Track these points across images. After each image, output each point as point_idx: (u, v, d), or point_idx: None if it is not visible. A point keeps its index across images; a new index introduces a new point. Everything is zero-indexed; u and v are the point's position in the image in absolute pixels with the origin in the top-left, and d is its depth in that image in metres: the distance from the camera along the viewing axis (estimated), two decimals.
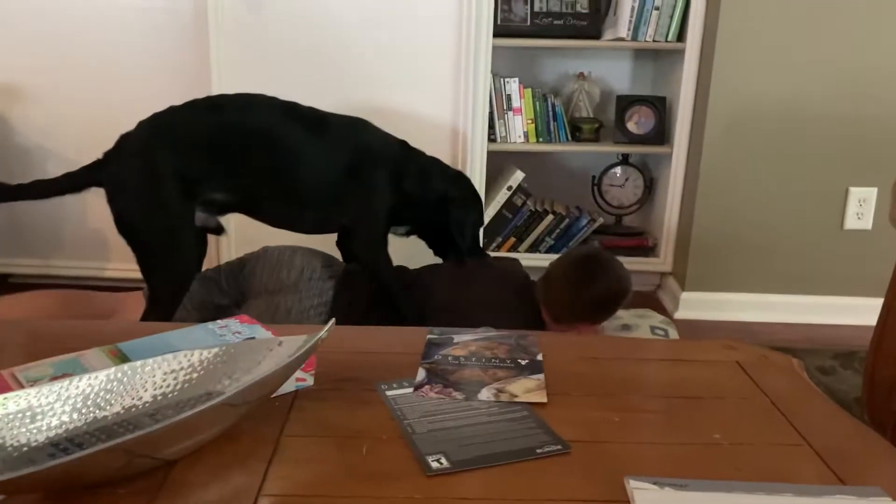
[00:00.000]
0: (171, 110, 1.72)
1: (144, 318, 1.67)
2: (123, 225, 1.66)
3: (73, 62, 2.41)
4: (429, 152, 1.95)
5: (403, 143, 1.89)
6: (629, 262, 2.69)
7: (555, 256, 2.65)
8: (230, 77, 2.31)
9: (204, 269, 1.83)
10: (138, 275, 2.51)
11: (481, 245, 2.10)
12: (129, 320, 1.73)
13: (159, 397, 0.76)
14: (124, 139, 1.70)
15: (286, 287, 1.74)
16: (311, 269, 1.79)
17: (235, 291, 1.86)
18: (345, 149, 1.74)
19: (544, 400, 0.84)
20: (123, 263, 2.61)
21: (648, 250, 2.75)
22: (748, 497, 0.67)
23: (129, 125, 2.49)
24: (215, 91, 2.25)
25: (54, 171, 2.54)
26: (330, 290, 1.77)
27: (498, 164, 2.69)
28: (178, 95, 2.40)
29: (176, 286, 1.69)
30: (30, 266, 2.60)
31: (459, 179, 1.96)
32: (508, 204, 2.66)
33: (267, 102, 1.73)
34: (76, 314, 1.78)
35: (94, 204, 2.61)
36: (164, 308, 1.67)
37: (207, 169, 1.66)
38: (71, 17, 2.38)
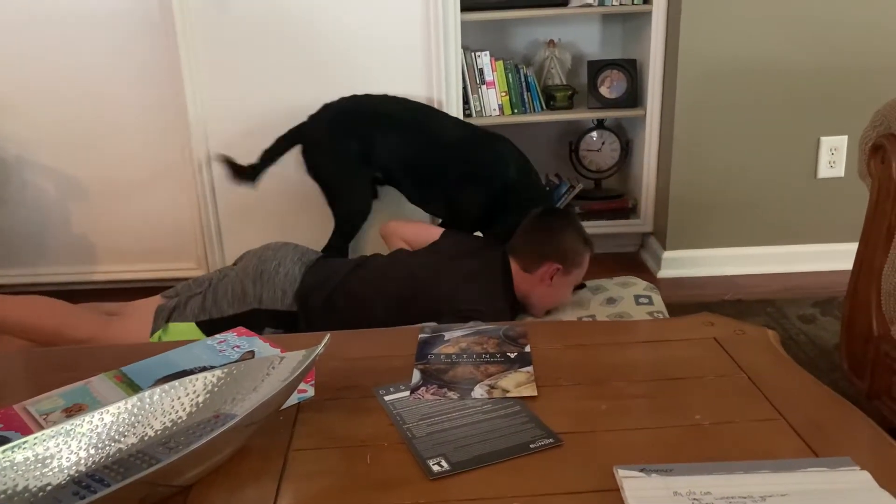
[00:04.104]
0: (367, 98, 2.21)
1: (330, 240, 2.17)
2: (315, 173, 2.18)
3: (43, 68, 2.39)
4: None
5: (524, 169, 2.21)
6: (610, 225, 2.75)
7: None
8: (202, 73, 2.30)
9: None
10: (126, 276, 2.55)
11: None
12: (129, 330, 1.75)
13: (169, 424, 0.80)
14: (326, 108, 2.17)
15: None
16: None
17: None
18: (470, 160, 2.17)
19: (535, 393, 0.89)
20: (110, 266, 2.63)
21: (629, 212, 2.80)
22: (728, 477, 0.72)
23: (102, 128, 2.53)
24: (188, 88, 2.28)
25: (31, 177, 2.56)
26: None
27: None
28: (150, 97, 2.40)
29: (355, 219, 2.20)
30: (16, 275, 2.60)
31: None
32: None
33: (430, 117, 2.22)
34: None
35: (77, 210, 2.61)
36: (344, 236, 2.20)
37: (377, 149, 2.14)
38: (36, 23, 2.35)
